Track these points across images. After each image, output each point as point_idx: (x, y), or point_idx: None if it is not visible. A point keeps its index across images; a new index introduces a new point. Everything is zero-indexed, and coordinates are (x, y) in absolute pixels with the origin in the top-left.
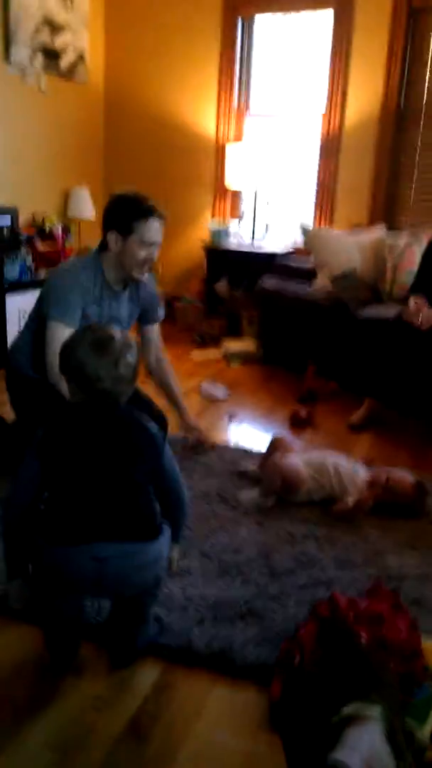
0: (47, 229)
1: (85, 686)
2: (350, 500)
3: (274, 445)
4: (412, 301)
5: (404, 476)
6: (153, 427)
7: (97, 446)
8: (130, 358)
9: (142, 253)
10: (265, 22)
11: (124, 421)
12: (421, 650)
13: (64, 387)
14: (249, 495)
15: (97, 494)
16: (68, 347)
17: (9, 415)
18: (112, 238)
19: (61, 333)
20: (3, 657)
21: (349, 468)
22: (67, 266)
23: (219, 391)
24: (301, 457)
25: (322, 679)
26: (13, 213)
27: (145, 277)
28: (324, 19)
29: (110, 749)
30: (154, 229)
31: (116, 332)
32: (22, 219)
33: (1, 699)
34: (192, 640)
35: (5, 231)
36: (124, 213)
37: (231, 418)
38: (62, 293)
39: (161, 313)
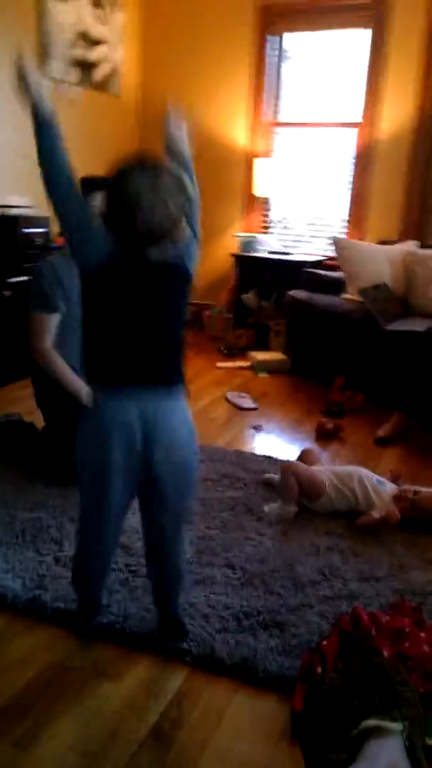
0: None
1: (111, 689)
2: (375, 513)
3: (302, 457)
4: None
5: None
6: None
7: (142, 273)
8: (169, 198)
9: None
10: (296, 38)
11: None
12: None
13: (54, 359)
14: (273, 506)
15: (138, 317)
16: (117, 175)
17: (38, 423)
18: None
19: (38, 322)
20: (33, 656)
21: (374, 481)
22: (47, 259)
23: (246, 401)
24: (326, 468)
25: (343, 692)
26: (48, 224)
27: None
28: (355, 35)
29: (133, 753)
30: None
31: (166, 172)
32: (54, 229)
33: (29, 698)
34: (215, 648)
35: (39, 241)
36: None
37: (257, 429)
38: (36, 286)
39: None
